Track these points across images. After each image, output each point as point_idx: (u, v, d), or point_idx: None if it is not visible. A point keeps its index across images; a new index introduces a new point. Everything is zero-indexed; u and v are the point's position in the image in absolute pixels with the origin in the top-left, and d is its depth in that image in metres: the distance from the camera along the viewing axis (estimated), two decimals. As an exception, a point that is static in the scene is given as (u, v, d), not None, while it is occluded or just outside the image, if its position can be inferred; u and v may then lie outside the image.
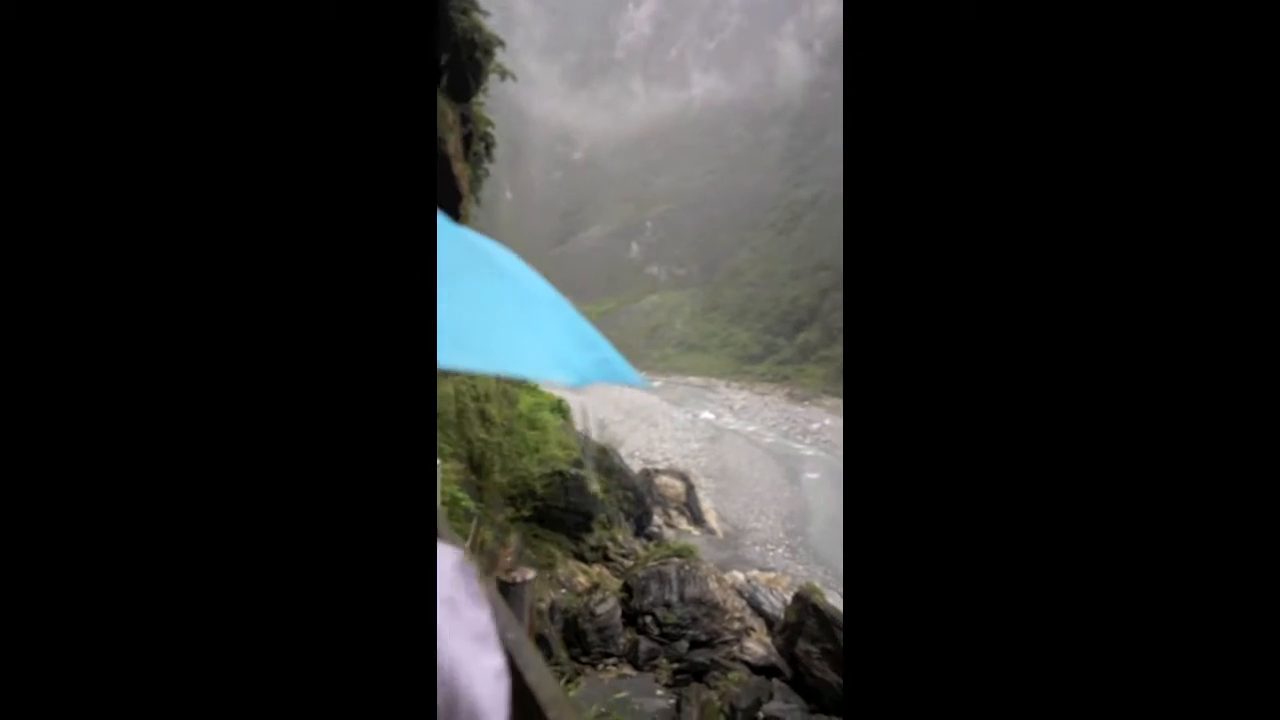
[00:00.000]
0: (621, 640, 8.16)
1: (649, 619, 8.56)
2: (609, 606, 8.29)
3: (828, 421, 36.23)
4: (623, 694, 6.46)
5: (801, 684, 7.90)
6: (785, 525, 18.74)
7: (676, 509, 17.24)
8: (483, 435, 9.40)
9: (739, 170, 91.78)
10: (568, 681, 6.44)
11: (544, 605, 7.85)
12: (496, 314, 0.81)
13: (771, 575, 13.37)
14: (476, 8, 14.59)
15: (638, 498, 13.80)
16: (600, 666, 7.72)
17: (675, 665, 7.99)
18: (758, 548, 16.75)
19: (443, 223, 0.79)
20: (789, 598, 10.21)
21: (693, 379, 56.60)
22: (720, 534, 17.33)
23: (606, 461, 13.49)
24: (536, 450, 10.68)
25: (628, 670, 7.77)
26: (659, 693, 7.22)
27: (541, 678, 1.53)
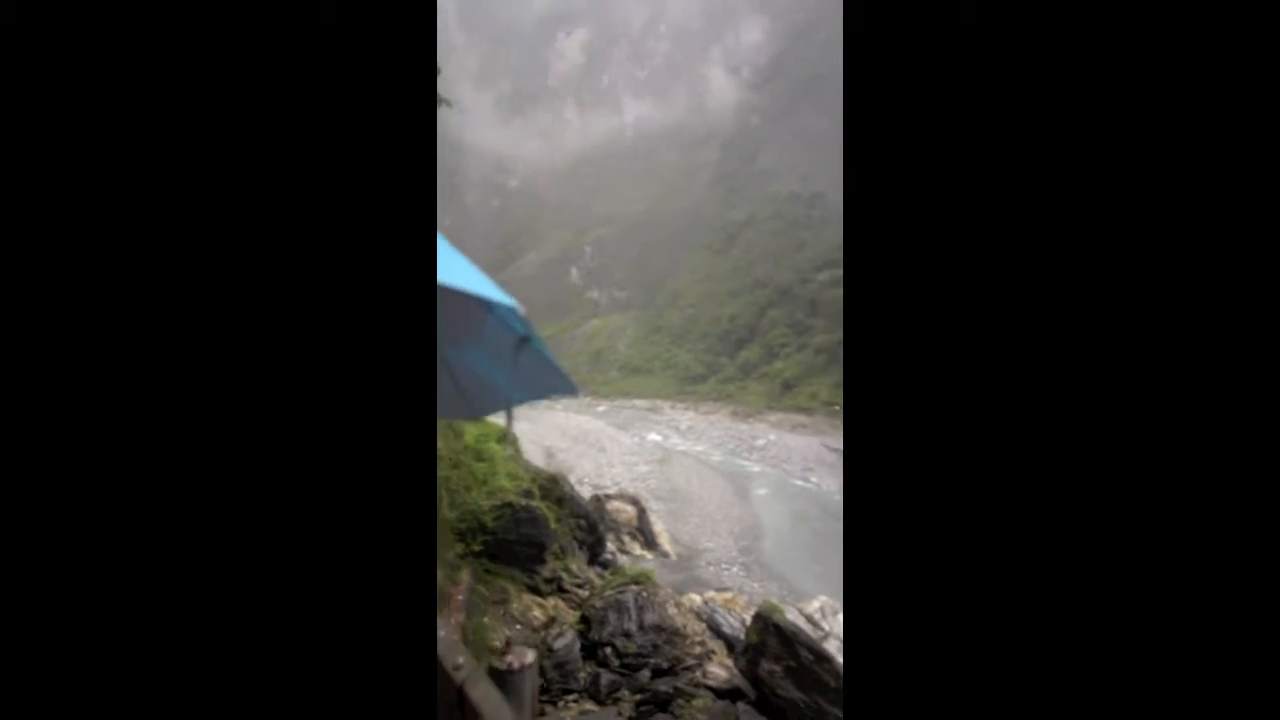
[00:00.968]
0: (582, 674, 7.95)
1: (609, 650, 8.37)
2: (567, 640, 8.08)
3: (772, 437, 36.74)
4: (586, 731, 6.24)
5: (767, 705, 7.82)
6: (738, 543, 18.77)
7: (629, 533, 17.07)
8: (428, 470, 9.09)
9: (674, 194, 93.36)
10: (528, 723, 6.17)
11: (499, 644, 7.59)
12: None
13: (728, 595, 13.31)
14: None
15: (590, 525, 13.58)
16: (560, 704, 7.47)
17: (638, 696, 7.80)
18: (712, 568, 16.69)
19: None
20: (747, 617, 10.15)
21: (638, 402, 56.68)
22: (674, 556, 17.22)
23: (556, 490, 13.25)
24: (484, 482, 10.40)
25: (589, 705, 7.55)
26: (623, 726, 7.02)
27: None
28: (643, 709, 7.51)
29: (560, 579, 10.57)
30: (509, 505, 10.10)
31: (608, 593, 9.44)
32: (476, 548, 9.23)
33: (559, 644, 7.97)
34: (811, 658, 7.72)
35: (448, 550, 8.57)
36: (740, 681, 8.28)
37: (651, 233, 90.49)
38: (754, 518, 21.56)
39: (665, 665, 8.38)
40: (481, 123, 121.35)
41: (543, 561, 10.46)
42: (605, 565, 13.14)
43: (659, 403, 56.36)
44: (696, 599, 12.33)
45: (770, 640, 8.23)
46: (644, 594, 9.29)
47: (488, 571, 9.35)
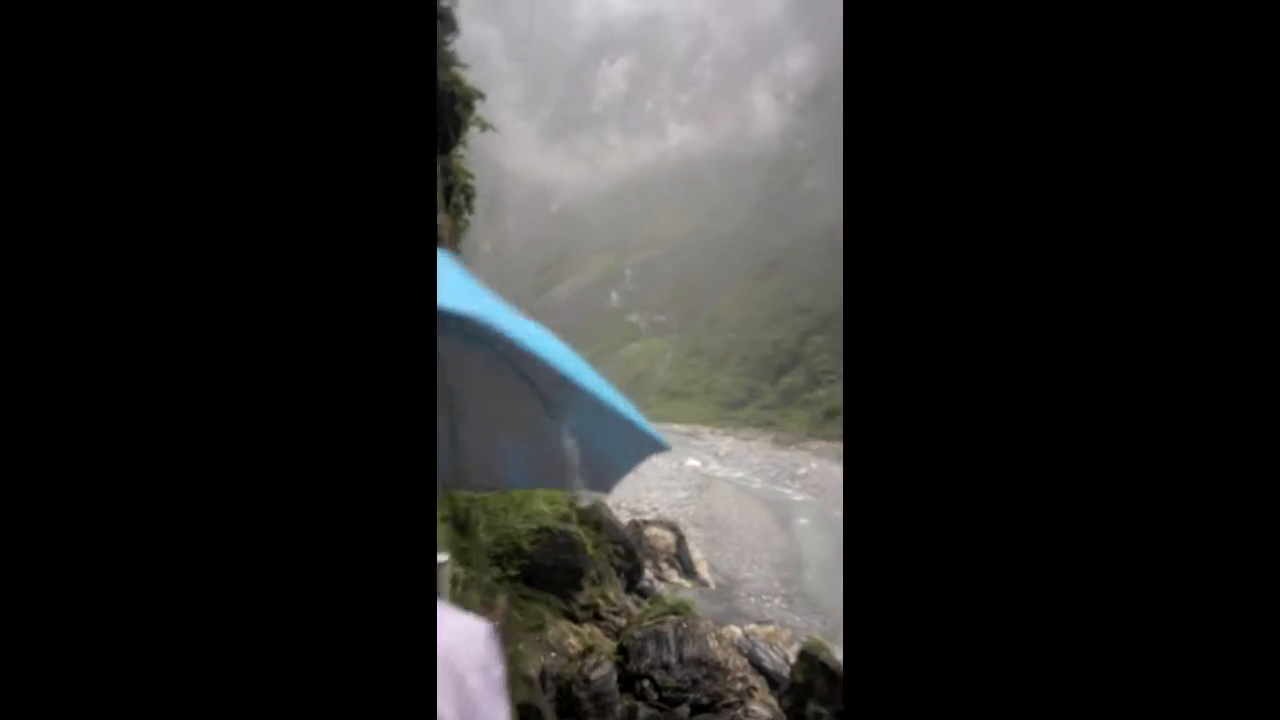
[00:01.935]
0: (619, 707, 7.70)
1: (647, 683, 8.11)
2: (604, 671, 7.84)
3: (814, 465, 36.03)
4: (623, 770, 5.98)
5: (812, 750, 7.45)
6: (779, 574, 18.28)
7: (667, 561, 16.75)
8: (467, 494, 9.04)
9: (716, 218, 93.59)
10: (563, 759, 5.96)
11: (534, 672, 7.40)
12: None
13: (770, 629, 12.88)
14: (456, 61, 14.71)
15: (628, 551, 13.35)
16: (596, 738, 7.22)
17: (677, 733, 7.51)
18: (753, 599, 16.24)
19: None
20: (790, 653, 9.80)
21: (677, 426, 56.25)
22: (713, 585, 16.82)
23: (594, 515, 13.08)
24: (521, 506, 10.30)
25: (626, 741, 7.28)
26: (661, 766, 6.73)
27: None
28: (681, 747, 7.21)
29: (597, 606, 10.36)
30: (546, 530, 9.98)
31: (646, 622, 9.19)
32: (513, 572, 9.12)
33: (595, 674, 7.74)
34: (861, 700, 7.34)
35: (484, 574, 8.46)
36: (784, 722, 7.92)
37: (693, 257, 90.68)
38: (796, 548, 21.00)
39: (705, 701, 8.07)
40: (524, 148, 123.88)
41: (579, 588, 10.27)
42: (643, 593, 12.87)
43: (698, 428, 55.98)
44: (737, 631, 11.96)
45: (818, 680, 7.87)
46: (684, 625, 9.01)
47: (523, 596, 9.21)
